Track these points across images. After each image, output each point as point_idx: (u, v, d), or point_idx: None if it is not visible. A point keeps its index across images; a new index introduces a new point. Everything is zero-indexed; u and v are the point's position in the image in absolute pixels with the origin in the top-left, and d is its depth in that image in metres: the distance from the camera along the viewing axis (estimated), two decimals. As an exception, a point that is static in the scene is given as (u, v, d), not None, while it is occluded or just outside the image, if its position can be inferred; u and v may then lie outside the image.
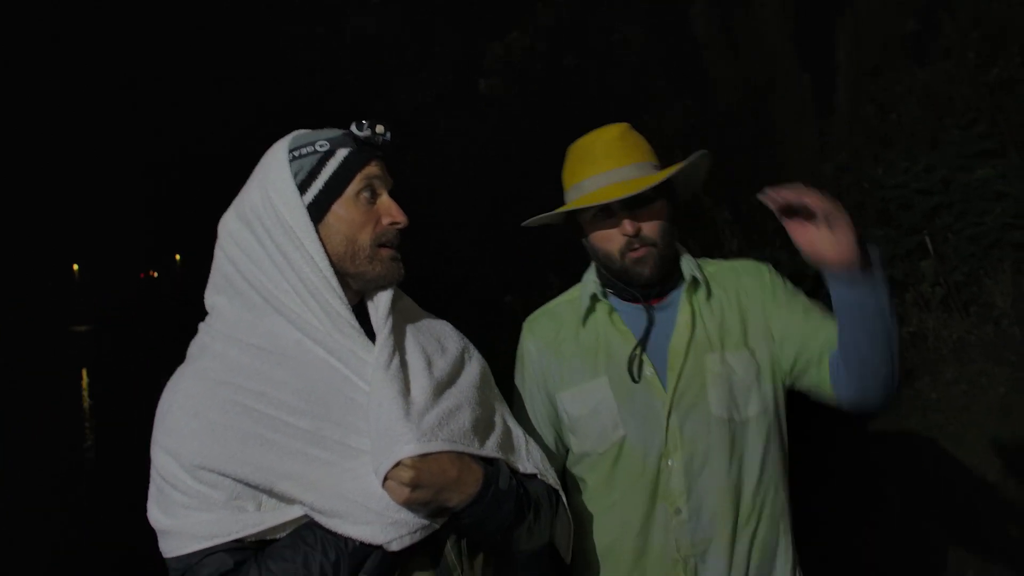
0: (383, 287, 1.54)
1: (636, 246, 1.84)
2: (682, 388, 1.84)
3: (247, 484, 1.37)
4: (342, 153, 1.51)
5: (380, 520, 1.36)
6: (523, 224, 2.01)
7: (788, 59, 7.75)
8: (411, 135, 10.13)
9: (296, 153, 1.50)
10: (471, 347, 1.71)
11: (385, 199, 1.54)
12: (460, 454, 1.43)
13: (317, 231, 1.47)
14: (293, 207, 1.46)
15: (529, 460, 1.62)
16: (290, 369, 1.44)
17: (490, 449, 1.52)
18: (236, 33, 11.65)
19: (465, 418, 1.49)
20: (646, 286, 1.90)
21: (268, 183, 1.48)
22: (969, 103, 5.76)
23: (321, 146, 1.51)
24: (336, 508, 1.36)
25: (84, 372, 20.38)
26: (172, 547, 1.39)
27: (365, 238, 1.50)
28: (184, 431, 1.38)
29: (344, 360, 1.45)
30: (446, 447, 1.41)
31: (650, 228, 1.85)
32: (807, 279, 5.60)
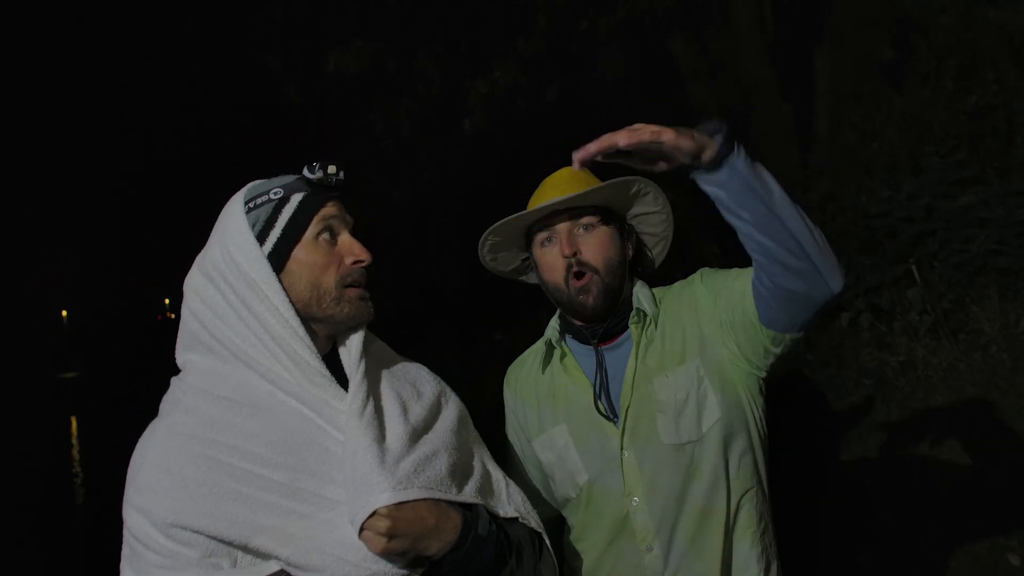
0: (353, 329, 1.53)
1: (576, 269, 1.82)
2: (631, 424, 1.82)
3: (222, 540, 1.34)
4: (297, 198, 1.50)
5: (358, 572, 1.34)
6: (481, 255, 2.01)
7: (768, 87, 7.81)
8: (394, 171, 10.16)
9: (251, 204, 1.49)
10: (448, 390, 1.69)
11: (346, 238, 1.53)
12: (437, 501, 1.41)
13: (280, 280, 1.45)
14: (253, 259, 1.45)
15: (510, 503, 1.60)
16: (263, 421, 1.42)
17: (468, 495, 1.49)
18: (216, 68, 11.70)
19: (442, 464, 1.47)
20: (593, 319, 1.88)
21: (227, 237, 1.47)
22: (947, 129, 5.81)
23: (276, 194, 1.50)
24: (313, 562, 1.34)
25: (73, 419, 20.21)
26: None
27: (329, 280, 1.48)
28: (156, 488, 1.35)
29: (317, 410, 1.43)
30: (423, 494, 1.39)
31: (591, 252, 1.84)
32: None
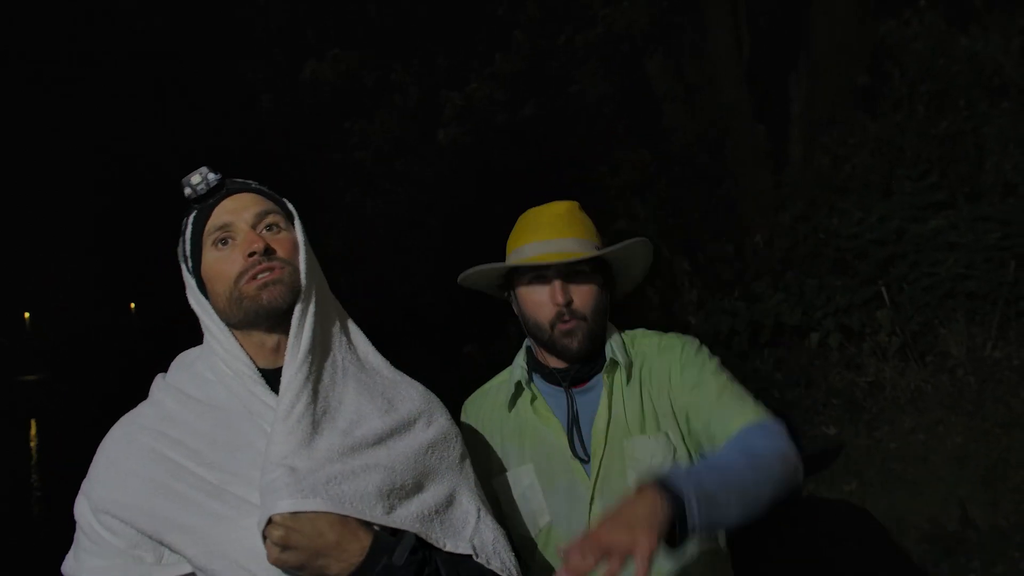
0: (266, 321, 1.46)
1: (566, 318, 1.82)
2: (603, 474, 1.81)
3: (142, 532, 1.34)
4: (190, 220, 1.50)
5: None
6: (459, 279, 1.98)
7: (743, 110, 7.89)
8: (369, 182, 10.13)
9: (179, 240, 1.53)
10: (438, 415, 1.60)
11: (241, 235, 1.46)
12: (346, 518, 1.31)
13: (209, 298, 1.48)
14: (191, 290, 1.50)
15: (472, 539, 1.48)
16: (213, 420, 1.41)
17: (400, 519, 1.38)
18: (191, 75, 11.62)
19: (371, 481, 1.37)
20: (571, 361, 1.87)
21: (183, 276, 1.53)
22: (919, 154, 5.89)
23: (183, 225, 1.52)
24: (213, 566, 1.31)
25: (33, 422, 19.87)
26: None
27: (228, 284, 1.44)
28: (99, 476, 1.38)
29: (261, 415, 1.41)
30: (326, 507, 1.30)
31: (582, 302, 1.83)
32: (765, 329, 5.67)
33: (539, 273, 1.85)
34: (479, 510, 1.54)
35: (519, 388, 1.92)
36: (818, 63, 7.51)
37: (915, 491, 4.29)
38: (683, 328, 6.05)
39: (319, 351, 1.48)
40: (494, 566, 1.48)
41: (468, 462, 1.62)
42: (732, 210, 7.54)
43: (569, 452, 1.83)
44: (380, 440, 1.46)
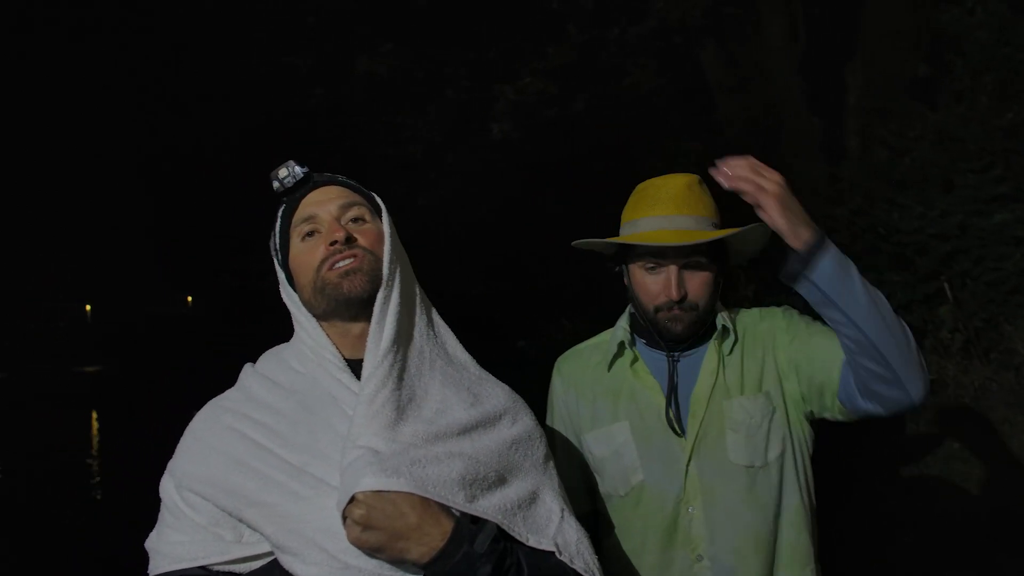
0: (348, 310, 1.46)
1: (675, 308, 1.81)
2: (701, 435, 1.81)
3: (220, 509, 1.35)
4: (279, 213, 1.54)
5: (330, 563, 1.30)
6: (573, 243, 1.99)
7: (797, 101, 7.77)
8: (420, 176, 10.17)
9: (271, 233, 1.56)
10: (523, 414, 1.57)
11: (325, 226, 1.48)
12: (428, 502, 1.29)
13: (296, 289, 1.51)
14: (281, 280, 1.54)
15: (555, 538, 1.45)
16: (296, 404, 1.43)
17: (483, 508, 1.36)
18: (246, 70, 11.75)
19: (455, 468, 1.36)
20: (676, 341, 1.86)
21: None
22: (983, 147, 5.74)
23: (274, 218, 1.55)
24: (290, 543, 1.31)
25: (94, 413, 20.34)
26: (152, 566, 1.38)
27: (312, 273, 1.46)
28: (184, 451, 1.42)
29: (345, 401, 1.43)
30: (411, 488, 1.28)
31: (696, 294, 1.81)
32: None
33: (656, 262, 1.82)
34: (563, 510, 1.51)
35: (621, 348, 1.92)
36: (874, 53, 7.37)
37: (979, 490, 4.20)
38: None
39: (403, 340, 1.49)
40: (577, 566, 1.45)
41: (552, 464, 1.59)
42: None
43: (663, 414, 1.84)
44: (464, 431, 1.45)
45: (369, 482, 1.27)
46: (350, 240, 1.45)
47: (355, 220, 1.50)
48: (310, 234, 1.48)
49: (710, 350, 1.87)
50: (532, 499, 1.49)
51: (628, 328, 1.93)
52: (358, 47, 9.57)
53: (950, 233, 5.22)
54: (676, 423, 1.83)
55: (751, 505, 1.79)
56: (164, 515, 1.41)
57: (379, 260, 1.47)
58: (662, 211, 1.83)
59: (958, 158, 5.76)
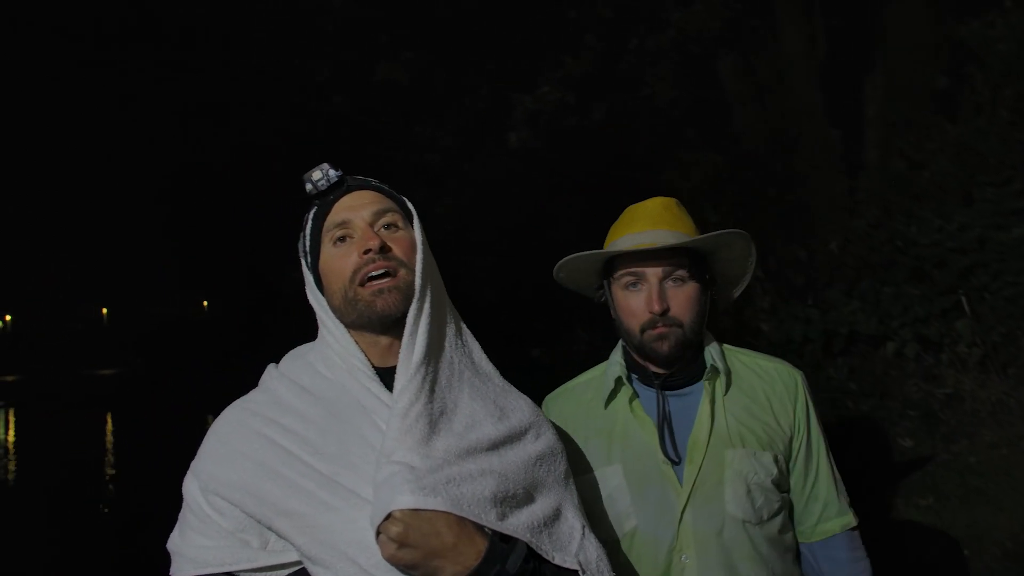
0: (380, 325, 1.47)
1: (659, 325, 1.80)
2: (700, 483, 1.79)
3: (250, 516, 1.35)
4: (309, 216, 1.52)
5: None
6: (555, 273, 1.96)
7: (816, 112, 7.74)
8: (438, 184, 10.19)
9: (300, 235, 1.55)
10: (546, 429, 1.59)
11: (358, 232, 1.48)
12: (463, 520, 1.31)
13: (324, 293, 1.50)
14: (308, 284, 1.53)
15: (577, 555, 1.45)
16: (325, 410, 1.42)
17: (513, 527, 1.37)
18: (263, 74, 11.82)
19: (487, 486, 1.37)
20: (665, 365, 1.85)
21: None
22: (1002, 160, 5.70)
23: (304, 220, 1.54)
24: (322, 556, 1.31)
25: (108, 415, 20.44)
26: (175, 569, 1.38)
27: (343, 282, 1.46)
28: (209, 454, 1.41)
29: (375, 410, 1.42)
30: (446, 507, 1.29)
31: (679, 309, 1.81)
32: (839, 337, 5.55)
33: (635, 275, 1.83)
34: (584, 527, 1.52)
35: (619, 384, 1.90)
36: (894, 65, 7.34)
37: (996, 507, 4.16)
38: (754, 334, 5.97)
39: (434, 352, 1.48)
40: None
41: (572, 480, 1.61)
42: (804, 215, 7.41)
43: (661, 456, 1.81)
44: (494, 446, 1.45)
45: (407, 500, 1.27)
46: (384, 249, 1.45)
47: (388, 227, 1.50)
48: (342, 239, 1.48)
49: (704, 391, 1.84)
50: (556, 516, 1.48)
51: (623, 362, 1.91)
52: (376, 54, 9.61)
53: (969, 247, 5.18)
54: (674, 459, 1.81)
55: (745, 557, 1.78)
56: (188, 517, 1.40)
57: (411, 272, 1.47)
58: (640, 228, 1.84)
59: (977, 171, 5.72)
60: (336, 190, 1.51)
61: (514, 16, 8.85)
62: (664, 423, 1.84)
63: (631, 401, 1.88)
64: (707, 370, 1.86)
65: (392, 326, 1.47)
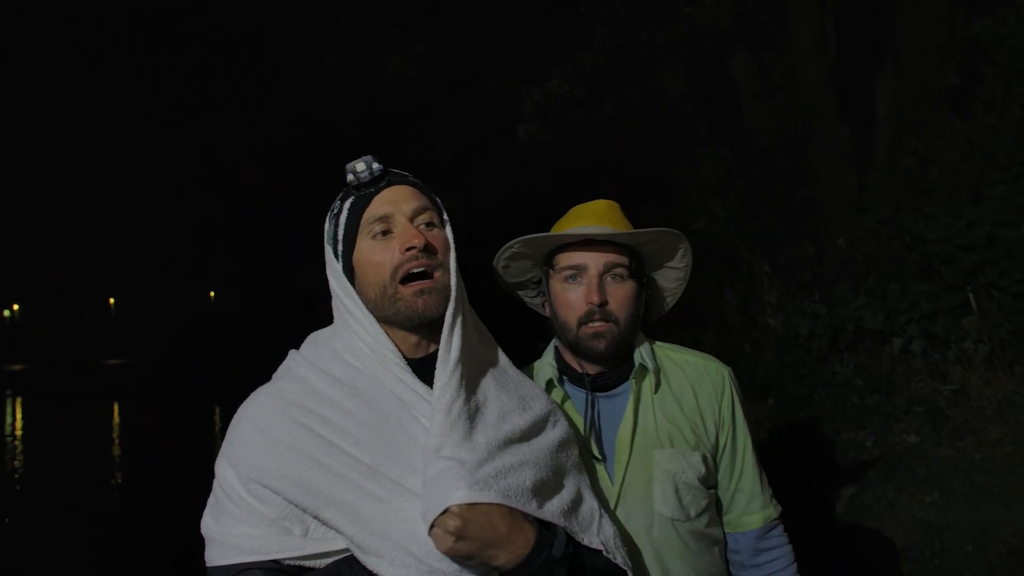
0: (419, 325, 1.51)
1: (596, 317, 1.82)
2: (628, 482, 1.82)
3: (296, 505, 1.37)
4: (347, 205, 1.53)
5: (419, 567, 1.33)
6: (495, 263, 2.00)
7: (827, 109, 7.72)
8: (446, 177, 10.19)
9: (326, 224, 1.56)
10: (559, 415, 1.66)
11: (399, 227, 1.50)
12: (513, 511, 1.37)
13: (356, 286, 1.51)
14: (333, 270, 1.53)
15: (599, 535, 1.53)
16: (361, 402, 1.45)
17: (550, 513, 1.44)
18: (274, 71, 11.82)
19: (527, 476, 1.43)
20: (598, 363, 1.88)
21: (325, 258, 1.55)
22: (1012, 158, 5.69)
23: (335, 206, 1.55)
24: (376, 546, 1.34)
25: (116, 405, 20.52)
26: (215, 556, 1.40)
27: (384, 276, 1.48)
28: (247, 443, 1.42)
29: (411, 403, 1.45)
30: (498, 500, 1.35)
31: (616, 304, 1.84)
32: (845, 333, 5.55)
33: (576, 269, 1.85)
34: (600, 507, 1.58)
35: (550, 387, 1.92)
36: (905, 62, 7.31)
37: (1001, 504, 4.16)
38: (761, 329, 5.97)
39: (467, 349, 1.52)
40: (618, 561, 1.53)
41: (583, 463, 1.67)
42: (813, 211, 7.40)
43: (589, 455, 1.84)
44: (524, 437, 1.50)
45: (462, 495, 1.32)
46: (426, 248, 1.48)
47: (427, 225, 1.52)
48: (383, 233, 1.49)
49: (631, 390, 1.87)
50: (579, 499, 1.55)
51: (555, 364, 1.93)
52: (387, 48, 9.60)
53: (977, 244, 5.17)
54: (604, 467, 1.83)
55: (674, 554, 1.81)
56: (225, 504, 1.41)
57: (446, 273, 1.51)
58: (584, 223, 1.87)
59: (987, 168, 5.71)
60: (378, 183, 1.53)
61: (524, 9, 8.84)
62: (592, 424, 1.86)
63: (563, 403, 1.91)
64: (635, 369, 1.89)
65: (423, 324, 1.51)
